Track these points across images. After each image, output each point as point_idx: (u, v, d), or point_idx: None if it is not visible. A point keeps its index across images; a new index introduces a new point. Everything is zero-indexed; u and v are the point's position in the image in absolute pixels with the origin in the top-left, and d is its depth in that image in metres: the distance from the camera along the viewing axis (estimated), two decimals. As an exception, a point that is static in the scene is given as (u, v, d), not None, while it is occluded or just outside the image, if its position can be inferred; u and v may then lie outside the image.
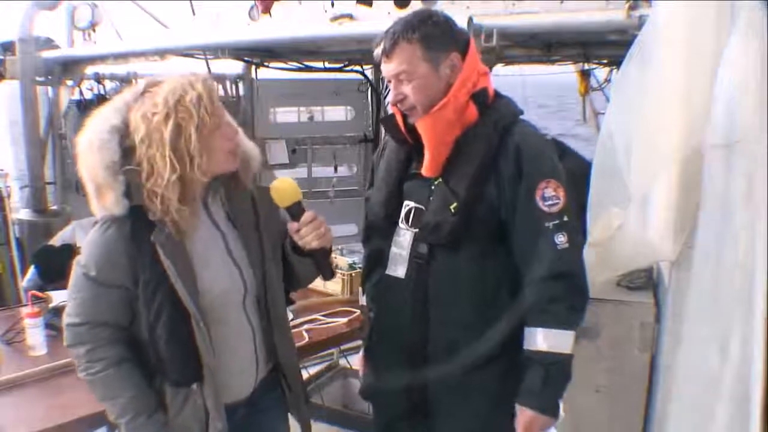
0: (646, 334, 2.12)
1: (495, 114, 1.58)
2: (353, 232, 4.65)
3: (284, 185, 1.56)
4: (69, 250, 3.21)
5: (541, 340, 1.53)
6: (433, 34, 1.54)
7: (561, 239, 1.52)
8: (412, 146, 1.65)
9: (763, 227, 1.18)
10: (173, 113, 1.36)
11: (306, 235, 1.53)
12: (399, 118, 1.64)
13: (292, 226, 1.55)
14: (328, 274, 1.61)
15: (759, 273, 1.18)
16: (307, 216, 1.54)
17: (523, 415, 1.55)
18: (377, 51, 1.57)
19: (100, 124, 1.41)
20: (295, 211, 1.54)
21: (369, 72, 4.54)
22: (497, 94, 1.63)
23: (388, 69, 1.56)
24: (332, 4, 2.73)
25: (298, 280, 1.70)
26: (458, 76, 1.55)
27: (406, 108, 1.58)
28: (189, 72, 1.47)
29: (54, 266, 3.22)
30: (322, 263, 1.59)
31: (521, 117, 1.63)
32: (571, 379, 1.57)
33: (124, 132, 1.40)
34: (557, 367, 1.54)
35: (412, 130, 1.62)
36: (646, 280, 2.29)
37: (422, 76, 1.53)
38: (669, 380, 1.78)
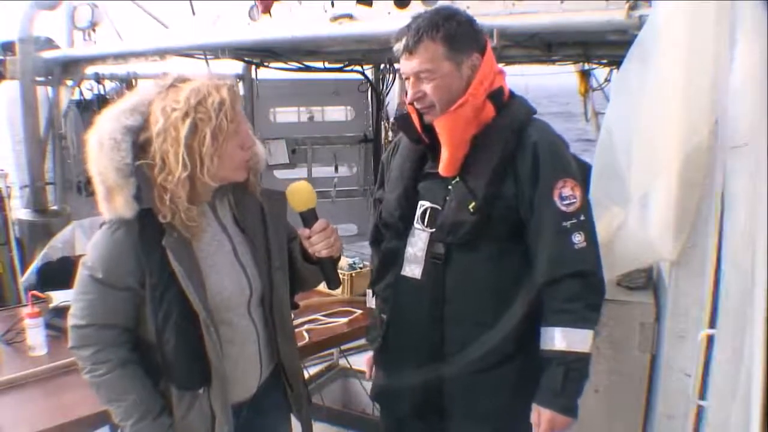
0: (646, 334, 2.12)
1: (511, 113, 1.58)
2: (353, 232, 4.65)
3: (302, 190, 1.55)
4: (68, 263, 3.23)
5: (559, 339, 1.52)
6: (457, 34, 1.53)
7: (578, 238, 1.52)
8: (427, 145, 1.64)
9: (764, 227, 1.18)
10: (192, 112, 1.35)
11: (316, 243, 1.54)
12: (415, 117, 1.62)
13: (303, 232, 1.55)
14: (334, 283, 1.61)
15: (759, 272, 1.18)
16: (319, 224, 1.54)
17: (543, 416, 1.54)
18: (398, 46, 1.55)
19: (112, 124, 1.39)
20: (309, 216, 1.55)
21: (369, 72, 4.55)
22: (512, 94, 1.63)
23: (409, 66, 1.54)
24: (332, 4, 2.73)
25: (302, 285, 1.69)
26: (477, 73, 1.54)
27: (425, 106, 1.56)
28: (218, 74, 1.45)
29: (56, 280, 3.25)
30: (329, 272, 1.59)
31: (534, 116, 1.62)
32: (589, 377, 1.57)
33: (139, 129, 1.39)
34: (576, 366, 1.53)
35: (427, 129, 1.60)
36: (646, 280, 2.29)
37: (444, 75, 1.52)
38: (670, 379, 1.78)
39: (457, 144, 1.57)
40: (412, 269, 1.65)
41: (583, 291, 1.52)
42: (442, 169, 1.59)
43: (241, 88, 4.49)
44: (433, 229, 1.61)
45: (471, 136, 1.56)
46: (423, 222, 1.64)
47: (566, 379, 1.52)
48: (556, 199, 1.52)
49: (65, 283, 3.15)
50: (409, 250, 1.66)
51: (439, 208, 1.61)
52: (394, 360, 1.77)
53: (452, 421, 1.67)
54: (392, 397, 1.80)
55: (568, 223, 1.52)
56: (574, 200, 1.52)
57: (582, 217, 1.53)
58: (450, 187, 1.60)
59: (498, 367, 1.61)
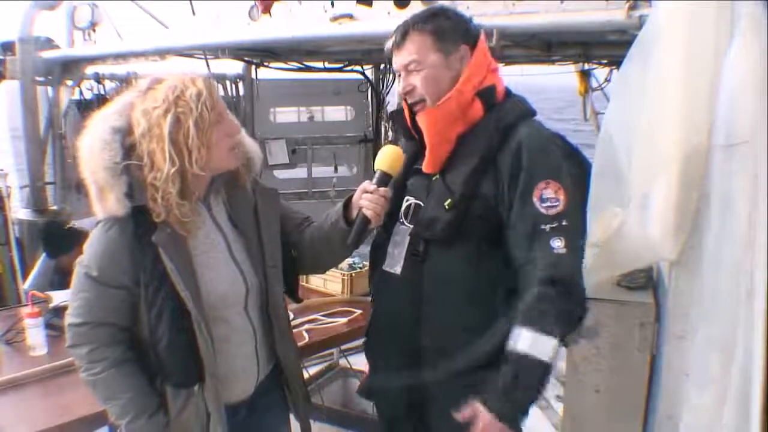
0: (646, 334, 2.11)
1: (501, 112, 1.56)
2: (353, 231, 4.65)
3: (393, 153, 1.59)
4: (76, 234, 3.27)
5: (522, 340, 1.44)
6: (445, 27, 1.54)
7: (558, 243, 1.46)
8: (417, 141, 1.64)
9: (763, 227, 1.18)
10: (173, 107, 1.37)
11: (369, 201, 1.55)
12: (407, 113, 1.63)
13: (368, 185, 1.57)
14: (353, 243, 1.60)
15: (759, 273, 1.18)
16: (385, 191, 1.57)
17: (481, 416, 1.45)
18: (388, 44, 1.57)
19: (101, 126, 1.41)
20: (385, 179, 1.58)
21: (369, 72, 4.55)
22: (508, 93, 1.62)
23: (398, 60, 1.55)
24: (332, 4, 2.73)
25: (314, 257, 1.70)
26: (465, 68, 1.53)
27: (415, 99, 1.56)
28: (190, 71, 1.48)
29: (57, 241, 3.30)
30: (356, 230, 1.58)
31: (532, 117, 1.60)
32: (541, 393, 1.47)
33: (125, 132, 1.40)
34: (529, 374, 1.44)
35: (417, 125, 1.61)
36: (646, 280, 2.29)
37: (432, 66, 1.52)
38: (670, 379, 1.78)
39: (440, 140, 1.56)
40: (394, 265, 1.65)
41: (556, 299, 1.44)
42: (425, 165, 1.60)
43: (241, 88, 4.50)
44: (413, 225, 1.61)
45: (457, 134, 1.56)
46: (407, 218, 1.64)
47: (514, 384, 1.43)
48: (536, 200, 1.48)
49: (66, 246, 3.21)
50: (391, 246, 1.67)
51: (422, 204, 1.61)
52: (376, 357, 1.78)
53: (433, 422, 1.66)
54: (377, 394, 1.80)
55: (547, 226, 1.47)
56: (557, 203, 1.48)
57: (564, 222, 1.48)
58: (431, 183, 1.60)
59: (477, 371, 1.55)
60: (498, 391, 1.45)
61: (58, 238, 3.44)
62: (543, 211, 1.48)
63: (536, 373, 1.45)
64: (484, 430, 1.45)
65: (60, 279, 3.06)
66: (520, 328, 1.47)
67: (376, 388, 1.78)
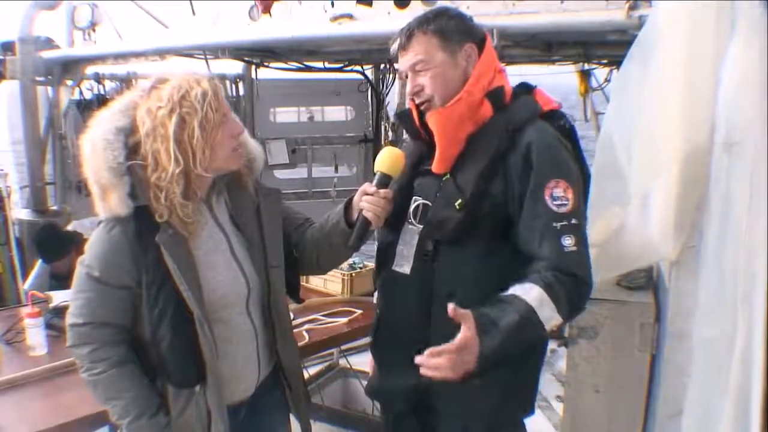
0: (646, 334, 2.12)
1: (509, 114, 1.57)
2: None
3: (393, 155, 1.60)
4: (71, 238, 3.27)
5: (534, 296, 1.40)
6: (448, 26, 1.55)
7: (569, 241, 1.47)
8: (425, 141, 1.64)
9: (763, 227, 1.18)
10: (178, 107, 1.37)
11: (369, 203, 1.55)
12: (414, 113, 1.64)
13: (368, 187, 1.58)
14: (353, 245, 1.61)
15: (759, 273, 1.18)
16: (386, 192, 1.57)
17: (469, 331, 1.34)
18: (394, 47, 1.58)
19: (104, 125, 1.41)
20: (382, 180, 1.58)
21: (369, 72, 4.55)
22: (515, 94, 1.62)
23: (404, 61, 1.56)
24: (332, 4, 2.73)
25: (317, 259, 1.69)
26: (474, 69, 1.55)
27: (424, 99, 1.57)
28: (194, 71, 1.47)
29: (51, 246, 3.30)
30: (359, 231, 1.58)
31: (539, 118, 1.58)
32: (520, 347, 1.42)
33: (128, 132, 1.40)
34: (529, 331, 1.39)
35: (425, 125, 1.61)
36: (646, 280, 2.29)
37: (439, 65, 1.53)
38: (670, 379, 1.78)
39: (450, 141, 1.57)
40: (403, 265, 1.65)
41: (568, 287, 1.44)
42: (435, 165, 1.59)
43: (241, 88, 4.51)
44: (423, 225, 1.61)
45: (467, 134, 1.56)
46: (415, 218, 1.64)
47: (516, 330, 1.36)
48: (547, 198, 1.48)
49: (61, 251, 3.20)
50: (401, 246, 1.66)
51: (431, 204, 1.61)
52: (384, 356, 1.77)
53: (442, 420, 1.66)
54: (384, 394, 1.80)
55: (558, 225, 1.48)
56: (566, 202, 1.49)
57: (573, 220, 1.49)
58: (441, 183, 1.60)
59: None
60: (495, 325, 1.36)
61: (52, 244, 3.44)
62: (554, 209, 1.49)
63: (532, 330, 1.40)
64: (464, 342, 1.34)
65: (57, 284, 3.06)
66: (533, 284, 1.42)
67: (383, 387, 1.77)
